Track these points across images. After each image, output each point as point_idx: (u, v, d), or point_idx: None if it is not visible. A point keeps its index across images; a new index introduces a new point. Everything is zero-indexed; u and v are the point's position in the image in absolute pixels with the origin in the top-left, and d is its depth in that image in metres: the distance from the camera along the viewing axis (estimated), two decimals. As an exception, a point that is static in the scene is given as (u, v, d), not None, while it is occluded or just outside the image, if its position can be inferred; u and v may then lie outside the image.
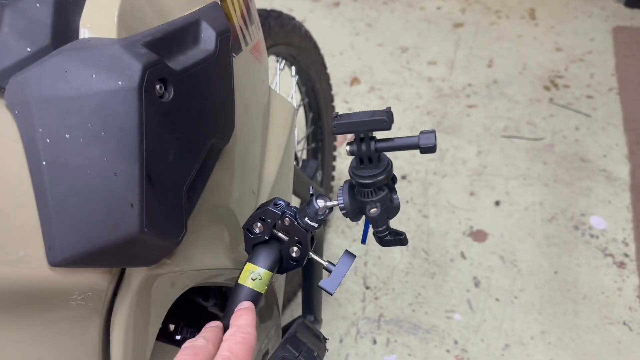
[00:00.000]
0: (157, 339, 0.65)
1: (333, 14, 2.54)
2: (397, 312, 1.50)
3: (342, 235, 1.67)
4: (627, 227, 1.73)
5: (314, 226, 0.47)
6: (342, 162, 1.87)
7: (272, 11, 1.21)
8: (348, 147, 0.46)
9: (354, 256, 0.50)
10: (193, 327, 0.63)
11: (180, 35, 0.43)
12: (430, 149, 0.44)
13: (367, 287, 1.56)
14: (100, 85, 0.37)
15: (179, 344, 0.67)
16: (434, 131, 0.44)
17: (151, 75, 0.38)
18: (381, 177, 0.46)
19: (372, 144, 0.45)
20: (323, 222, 0.48)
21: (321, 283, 0.49)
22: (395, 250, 1.64)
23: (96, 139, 0.37)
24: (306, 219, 0.47)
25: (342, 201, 0.48)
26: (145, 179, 0.38)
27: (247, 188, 0.62)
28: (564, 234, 1.70)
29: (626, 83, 2.25)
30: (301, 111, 1.51)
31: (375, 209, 0.47)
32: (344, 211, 0.48)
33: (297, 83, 1.45)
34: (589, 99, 2.18)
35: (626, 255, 1.66)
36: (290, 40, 1.29)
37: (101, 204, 0.38)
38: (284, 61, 1.36)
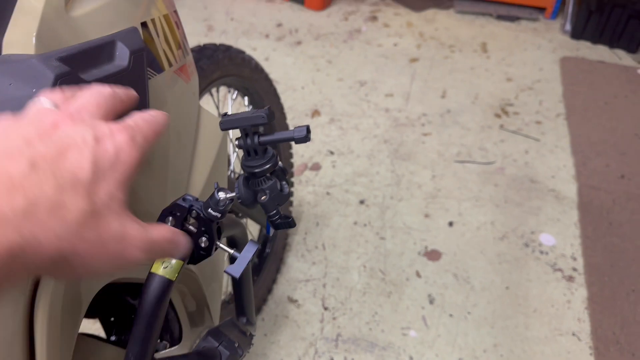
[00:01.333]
0: (92, 337, 0.69)
1: (295, 51, 2.66)
2: (354, 331, 1.54)
3: (302, 259, 1.72)
4: (575, 242, 1.81)
5: (217, 216, 0.53)
6: (302, 189, 1.94)
7: (221, 45, 1.30)
8: (236, 142, 0.53)
9: (257, 244, 0.56)
10: (126, 327, 0.67)
11: (94, 52, 0.50)
12: (302, 140, 0.51)
13: (326, 308, 1.59)
14: (15, 92, 0.44)
15: (114, 343, 0.71)
16: (307, 126, 0.52)
17: (62, 83, 0.45)
18: (267, 167, 0.53)
19: (256, 138, 0.52)
20: (225, 211, 0.53)
21: (227, 269, 0.54)
22: (353, 271, 1.69)
23: None
24: (210, 210, 0.53)
25: (238, 192, 0.54)
26: None
27: (173, 196, 0.68)
28: (515, 251, 1.77)
29: (573, 109, 2.39)
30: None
31: (265, 197, 0.53)
32: (240, 200, 0.54)
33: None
34: (538, 124, 2.30)
35: (574, 269, 1.73)
36: (240, 72, 1.37)
37: None
38: (236, 92, 1.43)
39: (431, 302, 1.61)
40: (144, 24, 0.60)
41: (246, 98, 1.48)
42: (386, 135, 2.19)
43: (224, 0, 3.04)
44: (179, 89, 0.70)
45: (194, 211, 0.53)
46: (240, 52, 1.37)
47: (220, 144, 0.80)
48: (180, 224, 0.54)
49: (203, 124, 0.78)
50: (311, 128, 2.21)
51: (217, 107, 1.38)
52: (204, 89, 1.23)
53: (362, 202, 1.92)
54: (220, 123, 0.52)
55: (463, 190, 1.97)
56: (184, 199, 0.53)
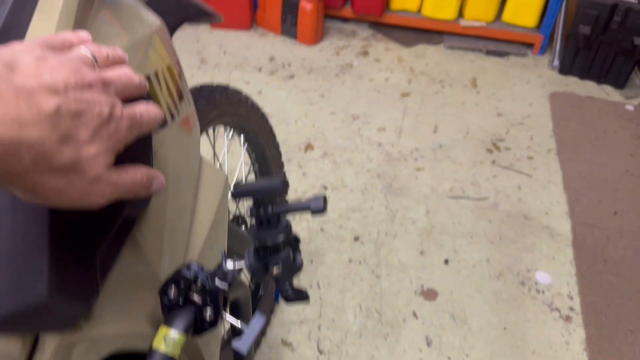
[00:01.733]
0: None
1: (288, 85, 2.67)
2: (350, 375, 1.49)
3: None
4: (571, 281, 1.80)
5: (224, 287, 0.50)
6: (296, 226, 1.91)
7: (218, 86, 1.29)
8: (249, 212, 0.51)
9: (265, 316, 0.53)
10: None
11: None
12: (319, 212, 0.49)
13: (321, 352, 1.55)
14: None
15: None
16: (323, 197, 0.50)
17: None
18: (280, 238, 0.50)
19: (269, 207, 0.50)
20: (232, 282, 0.51)
21: (234, 345, 0.51)
22: (349, 311, 1.65)
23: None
24: (217, 281, 0.50)
25: (248, 262, 0.52)
26: (54, 243, 0.41)
27: (174, 254, 0.65)
28: (512, 290, 1.75)
29: (564, 144, 2.41)
30: (252, 177, 1.56)
31: (277, 269, 0.51)
32: (250, 271, 0.52)
33: (247, 150, 1.51)
34: (530, 159, 2.32)
35: (572, 309, 1.71)
36: (237, 111, 1.36)
37: (8, 269, 0.40)
38: (232, 130, 1.42)
39: (429, 344, 1.58)
40: (147, 78, 0.59)
41: (242, 136, 1.46)
42: (379, 169, 2.18)
43: (217, 34, 3.06)
44: (181, 142, 0.68)
45: (199, 281, 0.51)
46: (237, 92, 1.36)
47: (221, 198, 0.78)
48: (184, 295, 0.51)
49: (204, 177, 0.75)
50: (304, 162, 2.21)
51: (213, 147, 1.36)
52: (200, 129, 1.21)
53: (356, 238, 1.89)
54: (233, 193, 0.50)
55: (457, 227, 1.96)
56: (188, 268, 0.51)
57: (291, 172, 2.14)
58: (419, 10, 3.09)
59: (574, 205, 2.09)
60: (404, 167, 2.20)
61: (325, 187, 2.08)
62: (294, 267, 0.52)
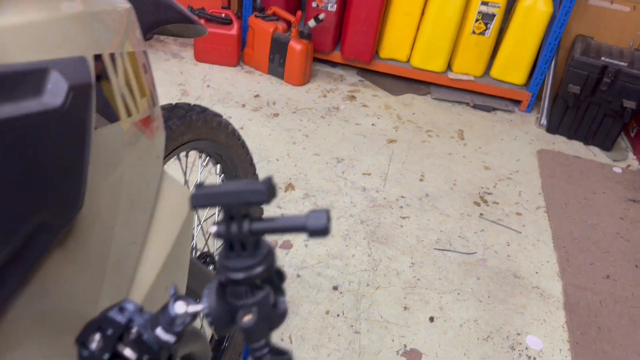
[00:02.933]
0: None
1: (272, 123, 2.56)
2: None
3: (265, 353, 1.50)
4: (564, 347, 1.66)
5: (168, 339, 0.35)
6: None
7: (196, 105, 1.16)
8: (214, 228, 0.36)
9: None
10: None
11: (10, 80, 0.34)
12: (321, 232, 0.35)
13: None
14: None
15: None
16: (326, 211, 0.36)
17: None
18: (258, 270, 0.35)
19: (246, 224, 0.35)
20: (183, 333, 0.36)
21: None
22: (323, 370, 1.47)
23: None
24: (159, 330, 0.35)
25: (207, 305, 0.36)
26: None
27: (111, 287, 0.50)
28: (501, 354, 1.60)
29: (552, 202, 2.33)
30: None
31: (249, 316, 0.35)
32: (210, 318, 0.36)
33: (223, 182, 1.37)
34: (518, 215, 2.22)
35: (565, 378, 1.57)
36: (215, 137, 1.23)
37: None
38: (207, 158, 1.28)
39: (411, 412, 1.40)
40: (98, 57, 0.46)
41: (218, 166, 1.33)
42: (363, 215, 2.06)
43: (202, 67, 2.97)
44: (138, 146, 0.54)
45: (133, 329, 0.35)
46: (217, 116, 1.23)
47: (185, 222, 0.63)
48: (112, 347, 0.35)
49: (165, 193, 0.61)
50: (283, 203, 2.07)
51: (185, 174, 1.22)
52: (171, 151, 1.07)
53: (335, 287, 1.73)
54: (193, 197, 0.35)
55: (444, 282, 1.82)
56: (120, 309, 0.35)
57: (269, 212, 2.00)
58: (408, 60, 3.07)
59: (564, 266, 1.99)
60: (389, 215, 2.08)
61: (304, 231, 1.93)
62: (275, 316, 0.37)
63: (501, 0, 2.74)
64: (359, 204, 2.12)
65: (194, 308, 0.35)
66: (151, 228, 0.57)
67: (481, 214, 2.19)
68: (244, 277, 0.35)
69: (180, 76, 2.87)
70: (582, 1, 2.81)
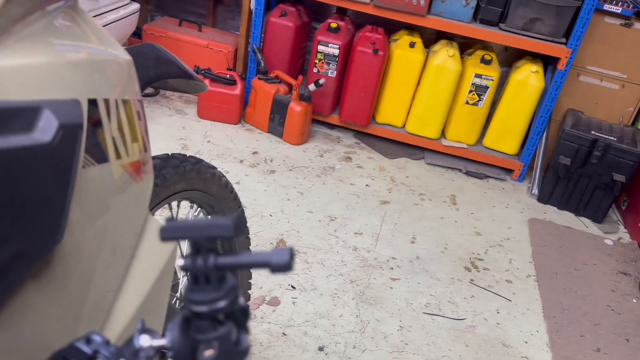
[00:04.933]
0: None
1: (268, 179, 2.61)
2: None
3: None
4: (553, 422, 1.61)
5: None
6: (256, 327, 1.73)
7: (191, 157, 1.20)
8: (182, 261, 0.38)
9: None
10: None
11: (3, 115, 0.37)
12: (282, 268, 0.37)
13: None
14: None
15: None
16: (290, 249, 0.38)
17: None
18: (221, 304, 0.37)
19: (212, 258, 0.37)
20: None
21: None
22: None
23: None
24: None
25: (169, 339, 0.37)
26: None
27: (88, 326, 0.51)
28: None
29: (543, 271, 2.33)
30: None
31: (210, 351, 0.36)
32: (172, 353, 0.37)
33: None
34: (509, 283, 2.22)
35: None
36: (208, 188, 1.26)
37: None
38: (199, 209, 1.31)
39: None
40: (93, 101, 0.49)
41: (209, 217, 1.35)
42: (353, 275, 2.05)
43: (204, 124, 3.06)
44: (125, 189, 0.57)
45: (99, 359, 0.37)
46: (211, 168, 1.27)
47: (166, 264, 0.65)
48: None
49: (148, 236, 0.63)
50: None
51: (175, 223, 1.24)
52: (162, 200, 1.10)
53: (321, 349, 1.70)
54: (162, 230, 0.38)
55: (432, 347, 1.79)
56: (87, 340, 0.37)
57: (258, 267, 1.99)
58: (403, 126, 3.16)
59: (554, 337, 1.96)
60: (379, 275, 2.07)
61: (293, 288, 1.93)
62: (236, 353, 0.38)
63: (494, 74, 2.87)
64: (350, 263, 2.12)
65: (157, 342, 0.36)
66: (133, 266, 0.59)
67: (471, 280, 2.18)
68: (207, 310, 0.36)
69: (182, 131, 2.94)
70: (573, 77, 2.94)
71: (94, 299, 0.52)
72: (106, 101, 0.52)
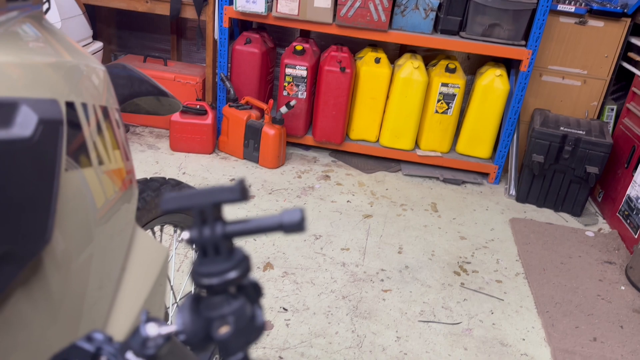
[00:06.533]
0: None
1: (248, 205, 2.58)
2: None
3: None
4: (561, 416, 1.59)
5: None
6: (253, 352, 1.67)
7: (171, 179, 1.18)
8: (186, 234, 0.36)
9: None
10: None
11: None
12: (295, 228, 0.35)
13: None
14: None
15: None
16: (301, 209, 0.36)
17: None
18: (233, 275, 0.35)
19: (219, 227, 0.35)
20: (157, 357, 0.34)
21: None
22: None
23: None
24: (129, 355, 0.33)
25: (181, 323, 0.35)
26: None
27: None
28: None
29: (531, 268, 2.34)
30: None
31: (226, 327, 0.34)
32: (184, 336, 0.35)
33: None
34: (499, 283, 2.22)
35: None
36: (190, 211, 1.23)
37: None
38: (182, 232, 1.27)
39: None
40: (70, 104, 0.47)
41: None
42: (344, 290, 2.02)
43: (177, 156, 3.02)
44: (109, 194, 0.55)
45: (102, 357, 0.34)
46: (192, 189, 1.24)
47: (159, 275, 0.62)
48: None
49: (137, 246, 0.61)
50: (263, 282, 2.02)
51: (159, 248, 1.20)
52: (145, 224, 1.07)
53: (319, 368, 1.66)
54: (163, 201, 0.36)
55: (431, 354, 1.77)
56: (89, 338, 0.34)
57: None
58: (377, 140, 3.18)
59: (550, 331, 1.96)
60: (370, 289, 2.05)
61: (285, 310, 1.88)
62: (252, 329, 0.36)
63: (460, 81, 2.93)
64: (340, 279, 2.09)
65: (167, 329, 0.34)
66: (125, 278, 0.56)
67: (462, 284, 2.18)
68: (218, 282, 0.34)
69: (156, 165, 2.90)
70: (536, 78, 3.02)
71: (87, 314, 0.49)
72: (84, 105, 0.50)
